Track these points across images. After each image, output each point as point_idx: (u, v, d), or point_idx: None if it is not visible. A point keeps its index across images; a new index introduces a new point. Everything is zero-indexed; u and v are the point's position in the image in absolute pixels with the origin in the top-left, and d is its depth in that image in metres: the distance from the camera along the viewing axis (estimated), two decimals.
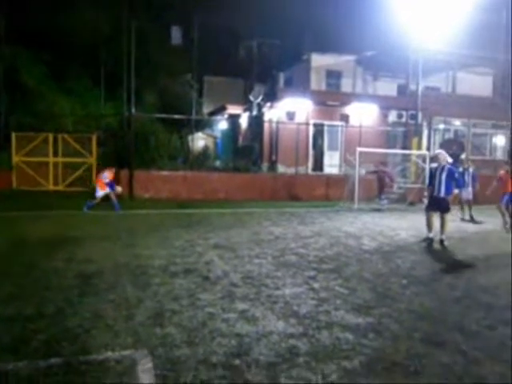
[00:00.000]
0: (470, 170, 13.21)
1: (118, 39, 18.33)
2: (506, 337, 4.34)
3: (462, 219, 12.77)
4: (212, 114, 27.40)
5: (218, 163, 21.65)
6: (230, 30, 28.27)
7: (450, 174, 9.06)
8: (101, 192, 12.75)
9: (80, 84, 21.97)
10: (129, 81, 17.22)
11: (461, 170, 12.58)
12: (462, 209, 13.02)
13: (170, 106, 21.93)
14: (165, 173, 16.58)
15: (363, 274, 6.56)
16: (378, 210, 14.65)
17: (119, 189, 13.09)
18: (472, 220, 12.75)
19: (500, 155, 23.47)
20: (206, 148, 23.43)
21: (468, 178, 12.87)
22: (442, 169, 9.13)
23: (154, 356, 3.67)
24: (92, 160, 17.85)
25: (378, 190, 15.41)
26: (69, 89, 21.61)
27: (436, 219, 9.25)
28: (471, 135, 22.92)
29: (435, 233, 9.21)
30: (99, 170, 16.92)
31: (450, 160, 9.28)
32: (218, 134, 27.23)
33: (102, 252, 7.46)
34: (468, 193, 12.80)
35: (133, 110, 17.26)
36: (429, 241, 9.10)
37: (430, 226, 9.24)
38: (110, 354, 3.66)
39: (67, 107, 20.38)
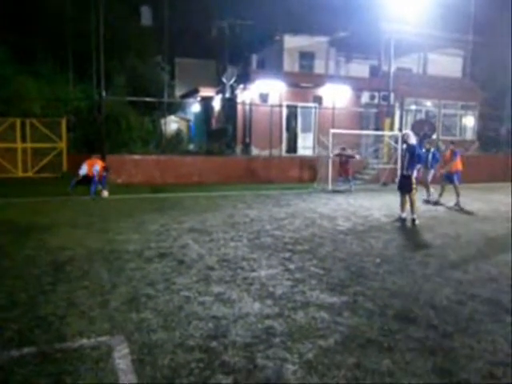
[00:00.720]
0: (432, 150, 13.17)
1: (86, 19, 17.79)
2: (475, 311, 4.49)
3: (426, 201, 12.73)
4: (184, 96, 27.01)
5: (191, 146, 21.44)
6: (201, 10, 27.76)
7: (411, 153, 9.25)
8: (84, 170, 12.68)
9: (47, 66, 21.22)
10: (98, 62, 16.77)
11: (424, 150, 12.54)
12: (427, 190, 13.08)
13: (142, 88, 21.48)
14: (137, 157, 16.33)
15: (337, 254, 6.65)
16: (350, 192, 14.74)
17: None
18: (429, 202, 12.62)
19: (469, 135, 23.96)
20: (178, 131, 23.14)
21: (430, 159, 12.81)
22: (407, 149, 9.45)
23: (130, 341, 3.66)
24: (62, 145, 17.43)
25: (339, 172, 15.46)
26: (36, 72, 20.84)
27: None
28: (442, 116, 23.29)
29: (407, 213, 9.40)
30: (72, 156, 16.64)
31: (413, 140, 9.49)
32: (191, 117, 26.93)
33: (74, 238, 7.34)
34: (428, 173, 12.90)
35: (103, 93, 16.85)
36: (401, 221, 9.28)
37: (402, 206, 9.44)
38: (85, 340, 3.62)
39: (34, 91, 19.71)
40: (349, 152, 15.23)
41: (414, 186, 9.30)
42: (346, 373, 3.26)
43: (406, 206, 9.43)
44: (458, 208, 11.43)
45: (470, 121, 24.04)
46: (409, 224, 9.16)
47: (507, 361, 3.49)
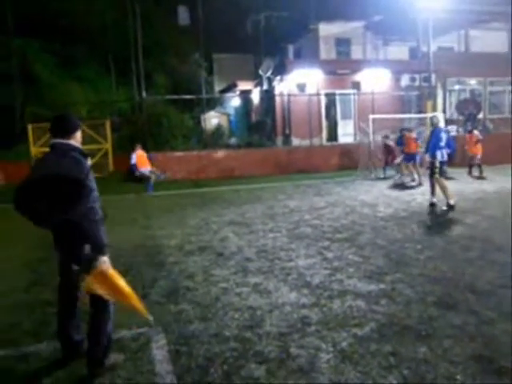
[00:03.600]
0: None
1: (124, 23, 18.25)
2: None
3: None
4: (223, 91, 27.21)
5: (232, 140, 21.60)
6: (236, 5, 27.81)
7: (434, 136, 8.95)
8: (145, 169, 13.40)
9: (90, 71, 22.03)
10: (137, 64, 17.20)
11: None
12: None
13: (181, 86, 21.88)
14: (179, 153, 16.64)
15: (377, 241, 6.54)
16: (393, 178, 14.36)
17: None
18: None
19: None
20: (219, 126, 23.34)
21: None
22: (432, 132, 9.13)
23: (167, 332, 3.77)
24: (107, 146, 18.00)
25: (385, 161, 14.98)
26: (80, 76, 21.68)
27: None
28: (488, 94, 22.27)
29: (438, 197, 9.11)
30: (118, 156, 17.18)
31: (441, 124, 9.53)
32: (231, 111, 27.09)
33: (118, 235, 7.56)
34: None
35: (143, 94, 17.28)
36: (431, 206, 9.07)
37: (432, 190, 9.19)
38: (125, 332, 3.77)
39: (80, 95, 20.48)
40: (390, 142, 14.79)
41: (436, 170, 8.91)
42: (381, 361, 3.22)
43: (435, 190, 9.10)
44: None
45: None
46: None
47: None
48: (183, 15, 30.91)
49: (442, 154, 8.85)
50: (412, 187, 12.15)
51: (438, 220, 8.04)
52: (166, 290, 4.79)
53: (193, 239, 7.08)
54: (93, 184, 3.05)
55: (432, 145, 8.88)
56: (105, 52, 21.90)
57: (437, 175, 8.90)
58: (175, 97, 19.34)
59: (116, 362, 3.24)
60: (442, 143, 8.82)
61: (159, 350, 3.46)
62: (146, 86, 17.45)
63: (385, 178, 14.25)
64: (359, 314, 4.04)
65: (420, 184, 12.22)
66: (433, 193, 9.12)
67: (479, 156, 13.80)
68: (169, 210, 10.13)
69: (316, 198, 10.85)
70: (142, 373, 3.18)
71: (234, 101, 26.42)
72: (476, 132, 14.37)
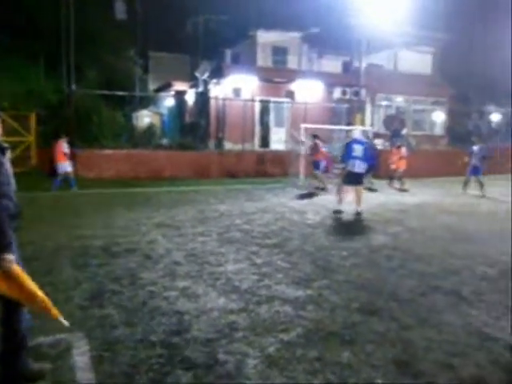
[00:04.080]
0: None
1: (57, 11, 17.37)
2: (435, 302, 4.59)
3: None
4: (158, 90, 26.70)
5: (164, 141, 21.22)
6: (176, 4, 27.48)
7: (348, 147, 9.65)
8: (63, 165, 12.50)
9: (17, 60, 20.68)
10: (68, 55, 16.43)
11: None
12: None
13: (114, 82, 21.14)
14: (108, 151, 16.05)
15: (305, 247, 6.69)
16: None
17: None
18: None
19: (439, 131, 24.43)
20: (151, 125, 22.86)
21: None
22: (347, 143, 9.91)
23: (91, 338, 3.61)
24: (31, 139, 17.02)
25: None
26: (5, 66, 20.31)
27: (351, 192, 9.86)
28: (412, 111, 23.66)
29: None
30: (42, 149, 16.27)
31: (357, 136, 10.13)
32: (165, 111, 26.64)
33: (42, 234, 7.17)
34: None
35: (73, 86, 16.52)
36: (337, 212, 9.57)
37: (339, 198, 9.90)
38: (42, 338, 3.55)
39: (3, 84, 19.15)
40: (319, 142, 14.57)
41: (346, 179, 9.71)
42: (306, 366, 3.29)
43: (341, 197, 9.79)
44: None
45: (439, 116, 24.50)
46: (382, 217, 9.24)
47: (466, 351, 3.58)
48: (120, 9, 30.00)
49: (354, 165, 9.37)
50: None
51: (363, 229, 8.37)
52: (90, 293, 4.59)
53: (120, 240, 6.84)
54: (4, 178, 2.85)
55: (345, 155, 9.54)
56: (33, 42, 20.67)
57: (344, 183, 9.71)
58: (107, 92, 18.62)
59: (42, 370, 3.04)
60: (355, 153, 9.33)
61: (81, 357, 3.29)
62: (76, 79, 16.68)
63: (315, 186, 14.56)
64: (286, 319, 4.10)
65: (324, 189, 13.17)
66: (340, 200, 9.71)
67: (401, 170, 14.49)
68: (96, 209, 9.74)
69: (247, 203, 10.90)
70: (60, 382, 3.01)
71: (169, 101, 25.99)
72: (404, 149, 14.90)
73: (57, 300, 4.29)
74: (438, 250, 6.76)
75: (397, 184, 14.55)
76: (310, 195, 12.62)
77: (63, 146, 12.63)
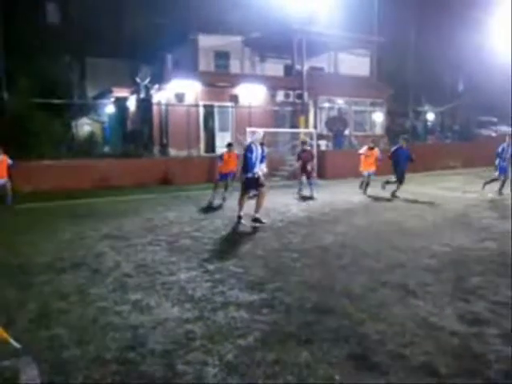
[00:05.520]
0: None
1: None
2: (385, 296, 4.75)
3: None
4: (97, 97, 26.00)
5: (106, 149, 20.69)
6: (113, 8, 26.86)
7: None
8: (1, 180, 11.58)
9: None
10: None
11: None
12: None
13: (50, 90, 20.35)
14: (47, 162, 15.41)
15: (256, 251, 6.73)
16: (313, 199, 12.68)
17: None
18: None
19: (379, 130, 25.32)
20: (92, 134, 22.23)
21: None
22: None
23: (39, 361, 3.43)
24: None
25: (299, 174, 13.70)
26: None
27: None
28: (353, 113, 24.39)
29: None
30: None
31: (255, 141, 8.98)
32: (106, 119, 25.98)
33: None
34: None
35: (4, 95, 15.76)
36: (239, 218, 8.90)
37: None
38: None
39: None
40: (308, 148, 13.83)
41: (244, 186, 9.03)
42: (266, 369, 3.30)
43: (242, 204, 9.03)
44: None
45: (378, 116, 25.42)
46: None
47: (415, 341, 3.73)
48: (53, 13, 28.97)
49: (253, 171, 8.64)
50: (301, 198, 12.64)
51: (312, 229, 8.51)
52: (35, 314, 4.37)
53: (65, 255, 6.58)
54: None
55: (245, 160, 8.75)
56: None
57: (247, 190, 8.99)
58: (42, 100, 17.90)
59: None
60: (253, 159, 8.61)
61: (30, 383, 3.13)
62: (8, 87, 15.93)
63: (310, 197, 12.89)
64: (242, 324, 4.10)
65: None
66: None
67: (371, 172, 13.17)
68: (36, 224, 9.32)
69: (195, 210, 10.82)
70: None
71: (109, 108, 25.38)
72: (377, 150, 13.38)
73: None
74: (384, 245, 7.01)
75: (363, 189, 13.16)
76: (277, 198, 12.54)
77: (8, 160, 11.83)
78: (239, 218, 8.83)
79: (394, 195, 12.29)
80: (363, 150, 13.47)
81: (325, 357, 3.48)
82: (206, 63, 22.82)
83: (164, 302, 4.67)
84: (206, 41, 22.92)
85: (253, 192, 9.30)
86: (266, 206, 11.02)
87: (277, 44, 21.85)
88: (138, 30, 26.08)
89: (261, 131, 9.21)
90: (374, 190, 12.97)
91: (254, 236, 7.77)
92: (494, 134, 28.07)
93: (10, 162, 11.88)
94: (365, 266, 5.91)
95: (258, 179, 8.76)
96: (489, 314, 4.28)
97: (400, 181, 12.38)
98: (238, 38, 23.33)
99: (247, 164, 8.71)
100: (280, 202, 11.80)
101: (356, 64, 24.85)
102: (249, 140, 9.27)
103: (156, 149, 19.81)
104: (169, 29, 24.42)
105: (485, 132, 29.58)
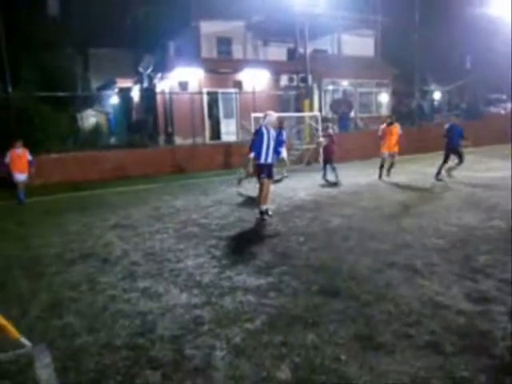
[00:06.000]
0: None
1: None
2: (391, 277, 4.77)
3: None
4: (101, 88, 26.00)
5: (112, 140, 20.75)
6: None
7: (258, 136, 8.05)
8: (22, 175, 11.39)
9: None
10: (1, 56, 15.67)
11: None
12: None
13: (55, 83, 20.34)
14: (54, 155, 15.50)
15: (263, 236, 6.77)
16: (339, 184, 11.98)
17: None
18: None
19: (385, 111, 25.12)
20: (97, 125, 22.29)
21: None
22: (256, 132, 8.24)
23: (53, 348, 3.53)
24: None
25: (323, 158, 13.19)
26: None
27: None
28: (358, 94, 24.20)
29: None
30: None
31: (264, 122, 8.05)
32: (110, 110, 26.00)
33: None
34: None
35: (10, 89, 15.80)
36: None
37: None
38: (1, 355, 3.43)
39: None
40: (331, 131, 13.24)
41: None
42: (273, 351, 3.36)
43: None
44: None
45: (384, 97, 25.20)
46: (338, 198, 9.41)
47: (421, 320, 3.75)
48: (53, 4, 28.85)
49: (265, 156, 7.87)
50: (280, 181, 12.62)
51: (318, 212, 8.53)
52: (47, 304, 4.46)
53: (74, 246, 6.67)
54: None
55: (254, 145, 7.94)
56: None
57: (261, 178, 7.94)
58: (47, 94, 17.94)
59: None
60: (265, 144, 7.82)
61: (44, 370, 3.21)
62: (12, 81, 15.96)
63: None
64: (250, 308, 4.15)
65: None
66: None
67: (394, 153, 12.34)
68: (46, 217, 9.42)
69: (202, 197, 10.87)
70: None
71: (113, 98, 25.39)
72: (397, 126, 12.34)
73: (13, 315, 4.20)
74: (390, 226, 7.01)
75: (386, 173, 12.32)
76: (284, 182, 12.66)
77: (22, 153, 11.60)
78: (261, 213, 7.97)
79: (450, 174, 11.71)
80: (381, 129, 12.48)
81: (331, 338, 3.53)
82: (208, 50, 22.66)
83: (172, 288, 4.73)
84: (207, 27, 22.72)
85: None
86: (273, 191, 11.08)
87: (279, 27, 21.60)
88: (139, 19, 25.93)
89: (273, 113, 8.25)
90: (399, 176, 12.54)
91: (261, 221, 7.80)
92: (503, 112, 27.69)
93: (29, 157, 11.78)
94: (370, 247, 5.91)
95: (270, 166, 8.00)
96: (496, 292, 4.28)
97: (460, 160, 11.55)
98: (240, 23, 23.08)
99: (257, 149, 7.83)
100: (287, 187, 11.81)
101: (360, 45, 24.56)
102: (261, 122, 8.13)
103: (161, 138, 19.84)
104: (170, 16, 24.23)
105: (494, 110, 29.18)
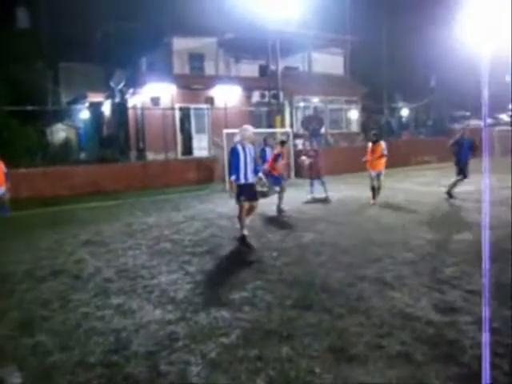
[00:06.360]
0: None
1: None
2: (362, 290, 4.88)
3: None
4: (71, 102, 25.70)
5: (82, 155, 20.49)
6: (84, 13, 26.54)
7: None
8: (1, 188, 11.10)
9: None
10: None
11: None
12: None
13: (24, 96, 20.05)
14: (23, 170, 15.18)
15: (236, 251, 6.80)
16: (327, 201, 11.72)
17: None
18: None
19: (354, 128, 25.66)
20: (67, 140, 21.97)
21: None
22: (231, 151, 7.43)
23: (24, 369, 3.46)
24: None
25: (309, 173, 12.57)
26: None
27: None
28: (329, 111, 24.67)
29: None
30: None
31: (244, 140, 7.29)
32: (81, 124, 25.69)
33: None
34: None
35: None
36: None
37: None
38: None
39: None
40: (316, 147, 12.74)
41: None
42: (248, 365, 3.39)
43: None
44: None
45: (353, 114, 25.76)
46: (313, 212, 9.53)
47: (392, 332, 3.86)
48: (22, 18, 28.53)
49: (244, 176, 7.16)
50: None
51: (291, 227, 8.63)
52: (18, 322, 4.37)
53: (45, 263, 6.55)
54: None
55: (231, 165, 7.39)
56: None
57: (241, 201, 7.19)
58: (16, 108, 17.63)
59: None
60: (242, 163, 7.13)
61: None
62: None
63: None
64: (225, 323, 4.17)
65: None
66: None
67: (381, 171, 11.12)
68: (15, 233, 9.20)
69: (174, 213, 10.83)
70: None
71: (84, 113, 25.12)
72: (383, 144, 11.13)
73: None
74: (361, 240, 7.16)
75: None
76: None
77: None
78: (242, 238, 7.21)
79: (449, 193, 11.10)
80: (369, 147, 11.26)
81: (305, 351, 3.59)
82: (180, 66, 22.77)
83: (146, 305, 4.71)
84: (180, 43, 22.86)
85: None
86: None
87: (251, 45, 21.92)
88: (111, 34, 25.85)
89: (249, 127, 7.50)
90: (352, 186, 13.07)
91: (233, 237, 7.82)
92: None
93: (5, 170, 11.50)
94: (343, 262, 6.03)
95: (251, 186, 7.28)
96: (462, 302, 4.44)
97: (464, 175, 10.95)
98: (213, 40, 23.32)
99: (234, 169, 7.17)
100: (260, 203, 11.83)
101: (330, 63, 25.15)
102: (236, 139, 7.42)
103: (133, 153, 19.70)
104: (143, 32, 24.29)
105: (458, 126, 30.21)
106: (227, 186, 12.91)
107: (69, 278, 5.75)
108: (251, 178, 7.26)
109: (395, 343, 3.64)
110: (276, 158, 10.53)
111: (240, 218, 7.28)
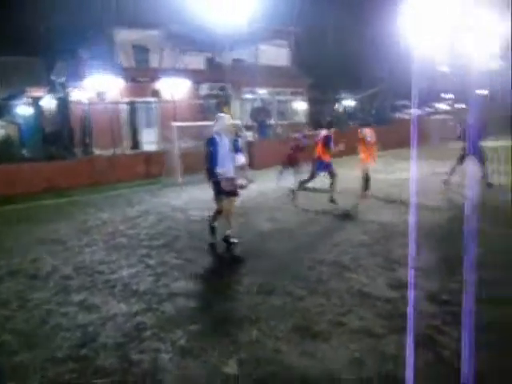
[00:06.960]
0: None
1: None
2: (321, 273, 5.11)
3: None
4: (9, 98, 24.50)
5: (25, 152, 19.63)
6: (21, 4, 25.35)
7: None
8: None
9: None
10: None
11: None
12: None
13: None
14: None
15: (195, 243, 6.85)
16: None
17: None
18: None
19: (301, 119, 26.12)
20: (7, 137, 20.98)
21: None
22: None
23: None
24: None
25: (287, 162, 12.26)
26: None
27: None
28: (276, 102, 24.97)
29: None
30: None
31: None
32: (21, 121, 24.57)
33: None
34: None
35: None
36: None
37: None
38: None
39: None
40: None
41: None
42: (221, 349, 3.50)
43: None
44: None
45: (300, 105, 26.21)
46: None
47: (352, 309, 4.09)
48: None
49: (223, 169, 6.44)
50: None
51: (248, 218, 8.73)
52: None
53: (1, 263, 6.33)
54: None
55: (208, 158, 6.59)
56: None
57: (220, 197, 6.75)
58: None
59: None
60: (220, 155, 6.43)
61: None
62: None
63: (193, 183, 13.75)
64: (192, 312, 4.26)
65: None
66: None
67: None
68: None
69: (128, 208, 10.67)
70: None
71: (24, 109, 24.03)
72: (367, 131, 10.82)
73: None
74: (318, 228, 7.42)
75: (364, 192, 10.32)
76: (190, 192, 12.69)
77: None
78: (227, 240, 6.52)
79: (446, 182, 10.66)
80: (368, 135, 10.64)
81: (272, 332, 3.75)
82: (125, 58, 22.23)
83: (110, 299, 4.71)
84: (123, 35, 22.27)
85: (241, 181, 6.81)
86: (198, 199, 11.16)
87: (196, 37, 21.75)
88: (52, 27, 24.83)
89: (227, 116, 6.65)
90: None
91: (191, 229, 7.87)
92: (407, 117, 30.00)
93: None
94: (302, 248, 6.25)
95: (231, 181, 6.51)
96: (413, 279, 4.75)
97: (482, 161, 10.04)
98: (156, 32, 22.90)
99: (211, 162, 6.47)
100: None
101: (276, 55, 25.40)
102: (213, 129, 6.60)
103: (78, 149, 19.10)
104: (83, 24, 23.50)
105: (399, 115, 31.49)
106: (179, 179, 12.99)
107: (26, 278, 5.61)
108: (231, 172, 6.50)
109: (356, 319, 3.88)
110: (327, 141, 9.48)
111: (227, 215, 6.65)
